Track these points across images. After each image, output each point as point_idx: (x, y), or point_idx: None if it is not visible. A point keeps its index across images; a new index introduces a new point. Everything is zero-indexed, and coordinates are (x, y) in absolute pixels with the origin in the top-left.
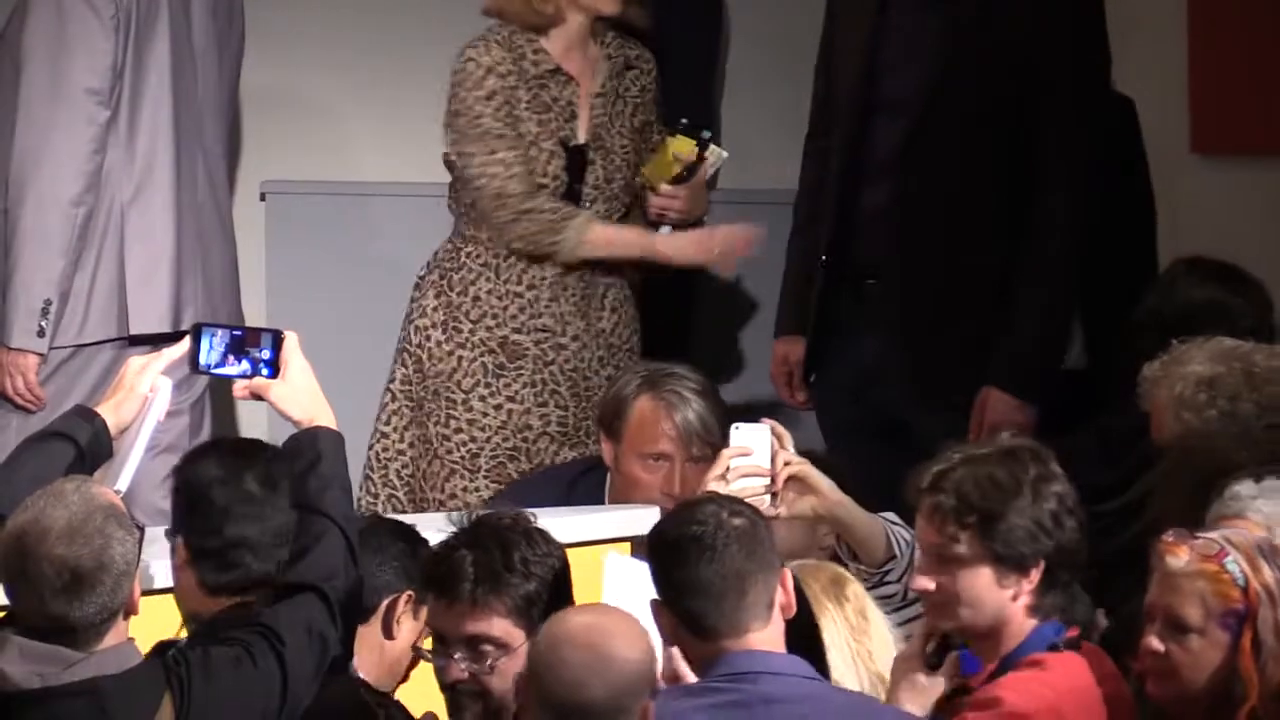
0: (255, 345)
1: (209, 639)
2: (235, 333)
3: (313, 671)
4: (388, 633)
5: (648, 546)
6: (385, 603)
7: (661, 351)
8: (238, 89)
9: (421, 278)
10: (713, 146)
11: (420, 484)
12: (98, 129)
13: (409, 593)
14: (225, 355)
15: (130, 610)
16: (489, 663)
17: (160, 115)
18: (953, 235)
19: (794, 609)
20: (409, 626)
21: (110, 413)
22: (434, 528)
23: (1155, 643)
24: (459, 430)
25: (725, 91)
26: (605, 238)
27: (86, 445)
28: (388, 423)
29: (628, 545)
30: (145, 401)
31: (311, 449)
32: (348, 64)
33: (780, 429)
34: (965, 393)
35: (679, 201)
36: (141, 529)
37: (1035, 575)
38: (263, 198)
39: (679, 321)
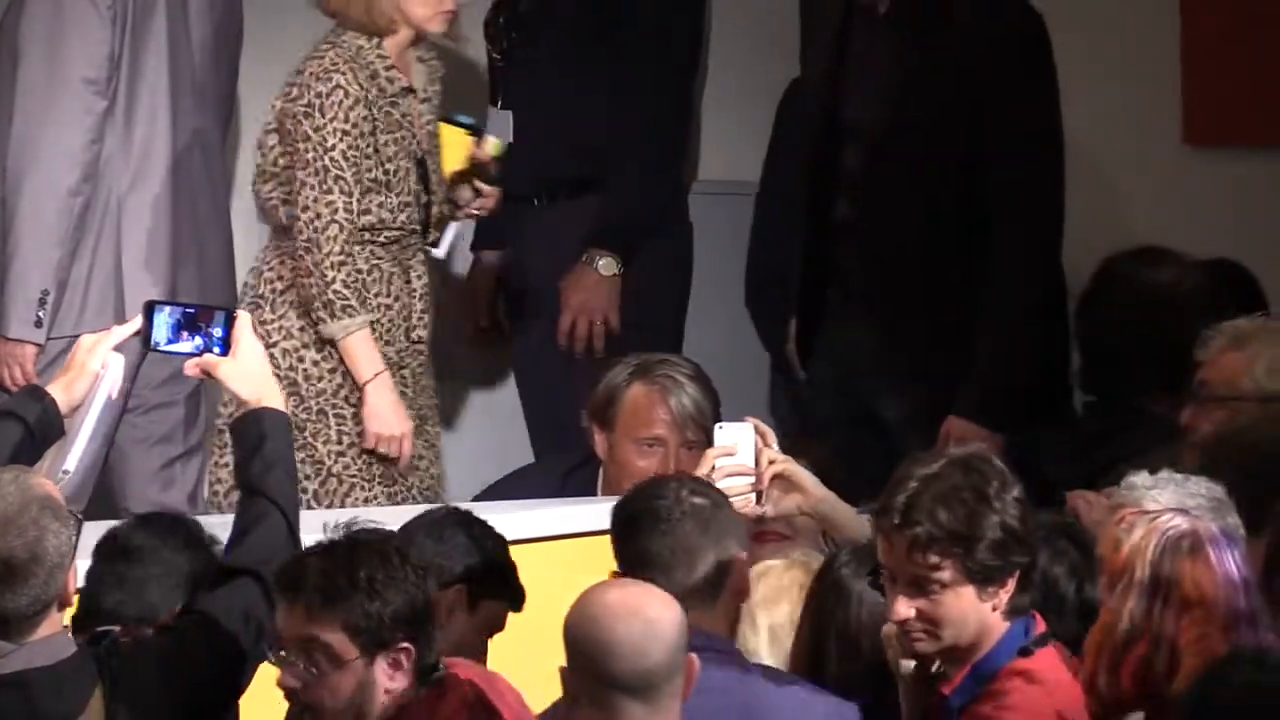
0: (208, 323)
1: (143, 627)
2: (188, 310)
3: (248, 659)
4: (436, 622)
5: (610, 519)
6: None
7: (651, 345)
8: (236, 79)
9: (261, 295)
10: (488, 136)
11: (316, 505)
12: (95, 119)
13: (461, 586)
14: (178, 332)
15: (64, 601)
16: (316, 670)
17: (158, 105)
18: (918, 250)
19: (748, 595)
20: (461, 619)
21: (61, 391)
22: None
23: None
24: (351, 445)
25: (707, 82)
26: (353, 350)
27: (35, 424)
28: None
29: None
30: (96, 379)
31: (256, 430)
32: None
33: (764, 427)
34: (939, 387)
35: (491, 200)
36: (79, 520)
37: (1011, 582)
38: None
39: (672, 316)
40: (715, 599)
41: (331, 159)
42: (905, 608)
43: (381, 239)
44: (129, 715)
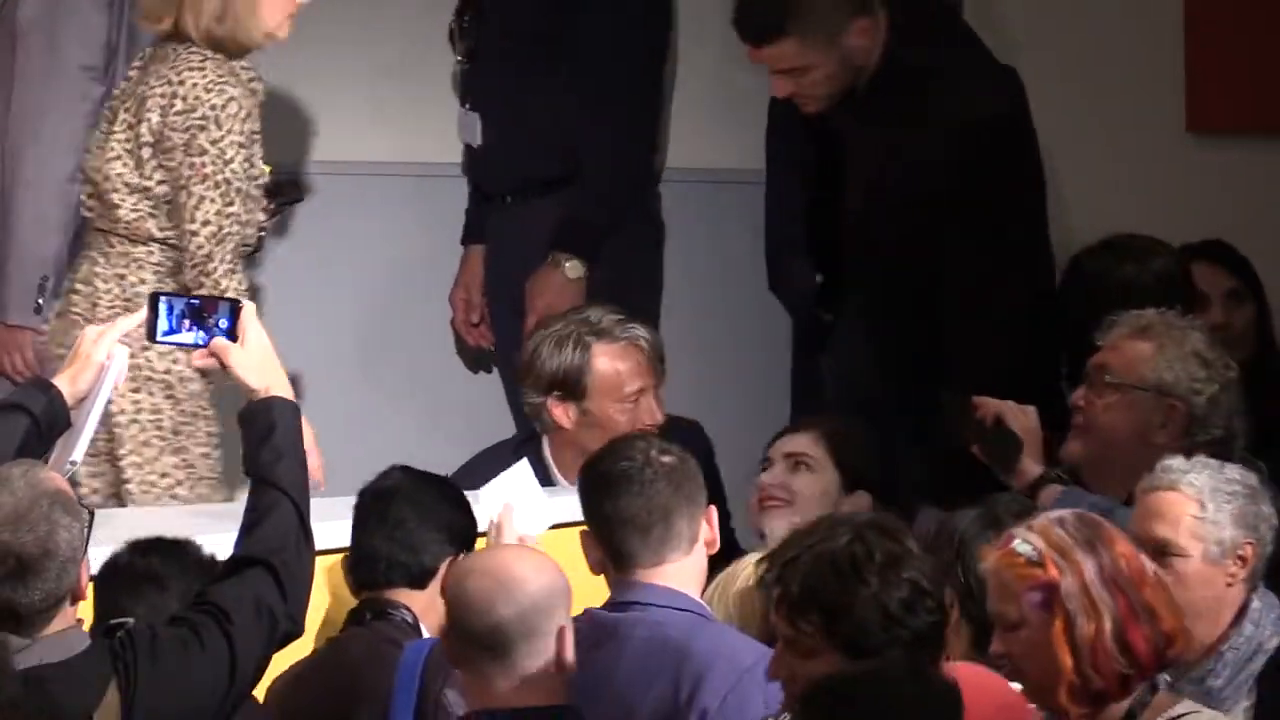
0: (212, 314)
1: (157, 619)
2: (192, 301)
3: (261, 648)
4: (443, 593)
5: (579, 482)
6: (442, 566)
7: None
8: None
9: (128, 300)
10: None
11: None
12: (92, 105)
13: (460, 554)
14: (182, 324)
15: (77, 595)
16: None
17: None
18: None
19: (718, 545)
20: None
21: (66, 383)
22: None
23: (996, 645)
24: (218, 445)
25: (678, 69)
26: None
27: (41, 416)
28: (139, 454)
29: None
30: (101, 370)
31: (265, 419)
32: (343, 44)
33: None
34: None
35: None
36: (91, 514)
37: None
38: None
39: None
40: (687, 553)
41: (232, 171)
42: (780, 669)
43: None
44: (144, 708)
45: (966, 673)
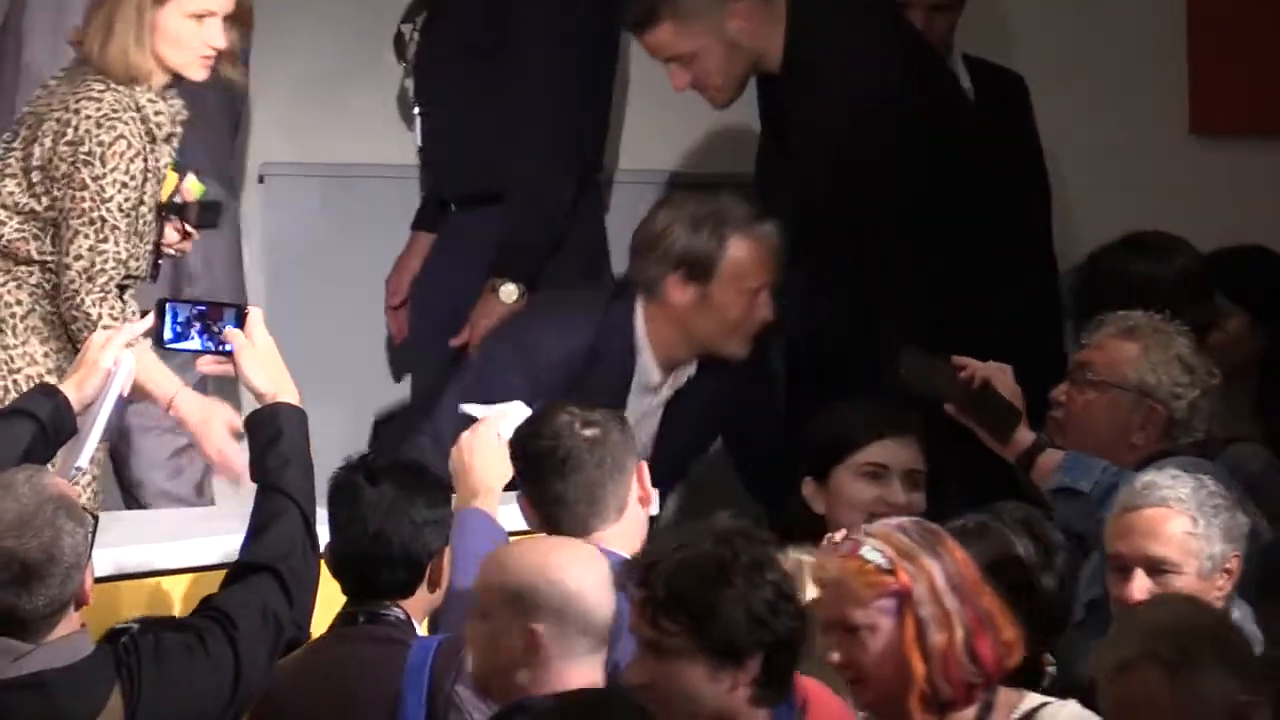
0: (219, 320)
1: (162, 624)
2: (199, 307)
3: (266, 654)
4: (433, 586)
5: (510, 451)
6: (430, 563)
7: None
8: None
9: (1, 320)
10: (190, 177)
11: None
12: None
13: (447, 547)
14: (189, 330)
15: (81, 601)
16: None
17: None
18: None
19: (651, 500)
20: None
21: (73, 389)
22: None
23: (835, 653)
24: (93, 462)
25: (630, 71)
26: (144, 374)
27: (48, 421)
28: None
29: None
30: (108, 376)
31: (273, 425)
32: (347, 45)
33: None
34: None
35: (188, 243)
36: (95, 519)
37: (753, 666)
38: (261, 179)
39: None
40: (617, 519)
41: (108, 210)
42: (639, 675)
43: (129, 284)
44: (148, 713)
45: (814, 689)
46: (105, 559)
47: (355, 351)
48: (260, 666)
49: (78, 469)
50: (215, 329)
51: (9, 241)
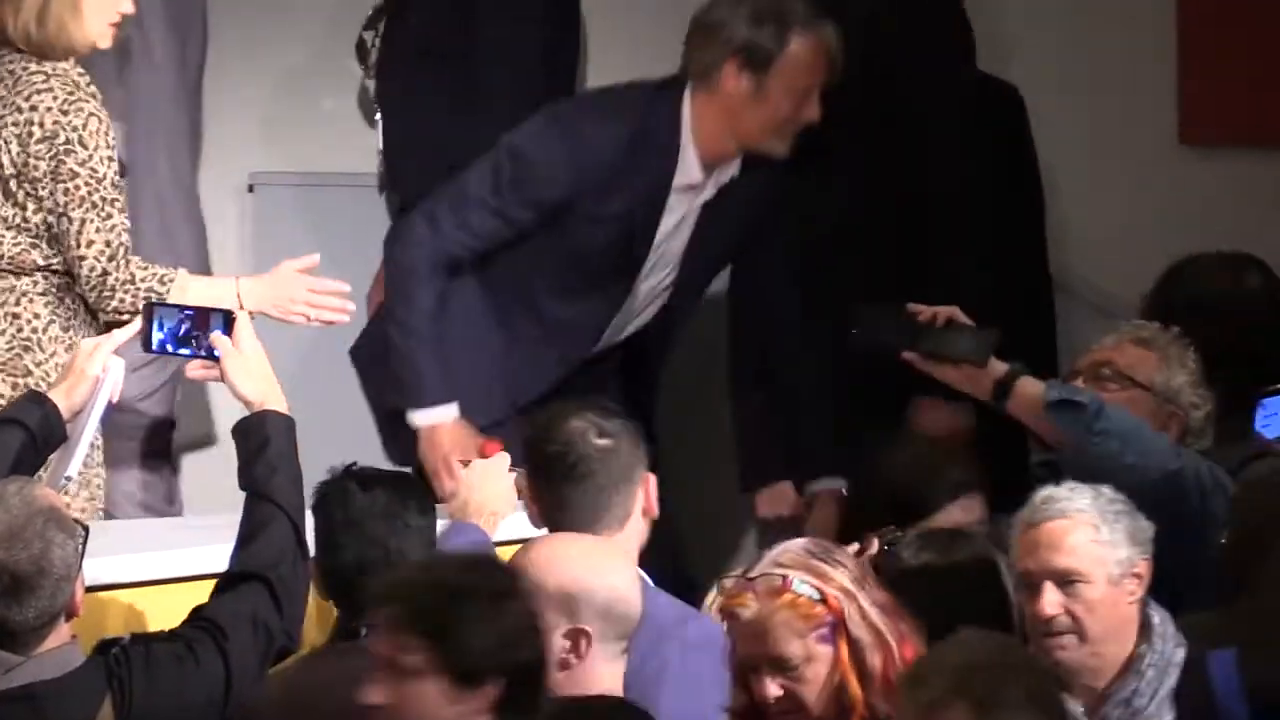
0: (206, 325)
1: (152, 635)
2: (187, 312)
3: (257, 664)
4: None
5: (523, 456)
6: None
7: None
8: (201, 77)
9: (27, 339)
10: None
11: None
12: None
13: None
14: (177, 334)
15: (72, 612)
16: None
17: (113, 109)
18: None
19: (654, 512)
20: None
21: (62, 397)
22: None
23: (772, 689)
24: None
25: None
26: (201, 296)
27: (37, 429)
28: None
29: None
30: (96, 383)
31: (260, 433)
32: (337, 55)
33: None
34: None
35: None
36: (85, 530)
37: (492, 691)
38: (251, 189)
39: None
40: (620, 528)
41: (105, 187)
42: (376, 695)
43: None
44: None
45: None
46: (90, 570)
47: (345, 361)
48: (251, 676)
49: (67, 478)
50: (202, 334)
51: (10, 257)
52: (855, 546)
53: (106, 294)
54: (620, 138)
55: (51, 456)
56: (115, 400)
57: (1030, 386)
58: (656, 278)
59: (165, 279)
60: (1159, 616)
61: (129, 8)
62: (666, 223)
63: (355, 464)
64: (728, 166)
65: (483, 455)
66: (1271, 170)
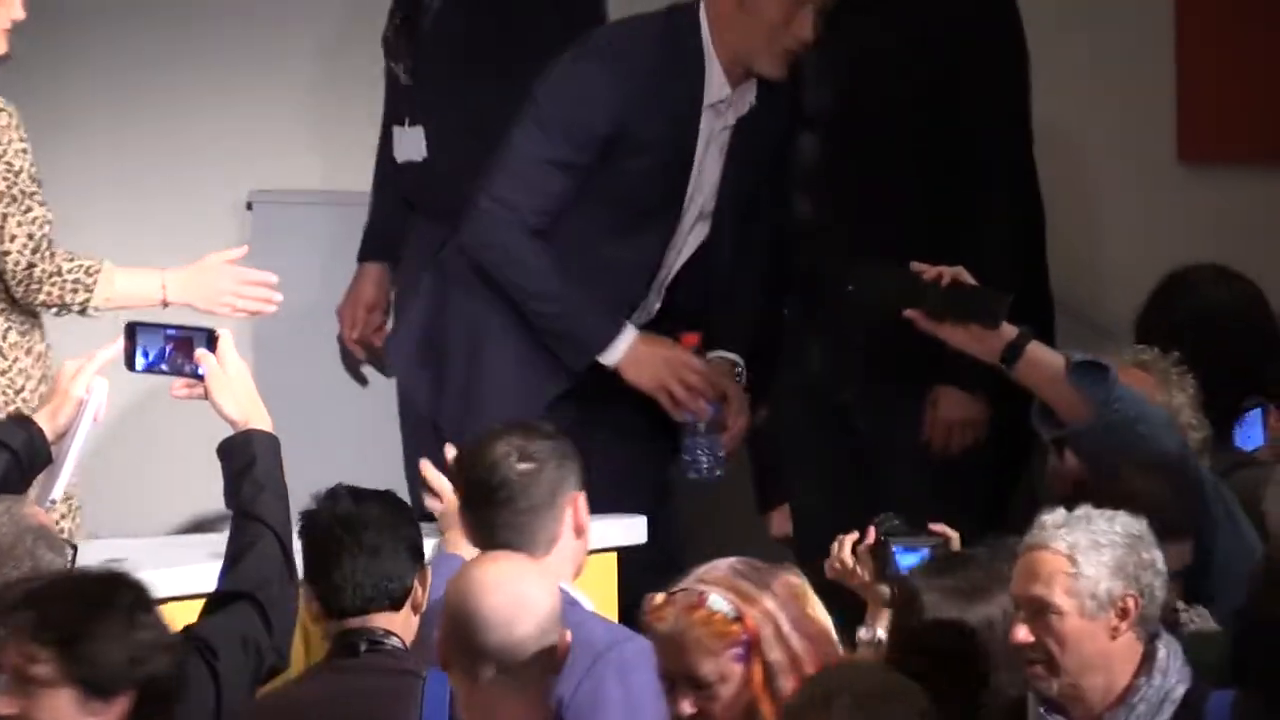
0: (189, 344)
1: None
2: (169, 331)
3: (248, 683)
4: (416, 608)
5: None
6: (414, 585)
7: None
8: None
9: None
10: None
11: None
12: None
13: (426, 568)
14: (160, 353)
15: None
16: None
17: None
18: (886, 245)
19: (585, 531)
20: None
21: (46, 419)
22: None
23: (686, 706)
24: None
25: None
26: (126, 287)
27: (22, 451)
28: None
29: (613, 555)
30: (81, 405)
31: (245, 452)
32: (335, 72)
33: None
34: (918, 393)
35: None
36: (74, 548)
37: (122, 704)
38: (249, 206)
39: None
40: (548, 550)
41: (23, 180)
42: (4, 704)
43: None
44: None
45: None
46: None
47: (345, 379)
48: (242, 695)
49: (53, 501)
50: (185, 353)
51: None
52: (854, 535)
53: (34, 287)
54: (650, 54)
55: (37, 478)
56: (99, 421)
57: (1042, 351)
58: (695, 208)
59: (91, 270)
60: (1166, 650)
61: (20, 14)
62: (700, 144)
63: (340, 485)
64: (746, 88)
65: (686, 346)
66: (1271, 188)
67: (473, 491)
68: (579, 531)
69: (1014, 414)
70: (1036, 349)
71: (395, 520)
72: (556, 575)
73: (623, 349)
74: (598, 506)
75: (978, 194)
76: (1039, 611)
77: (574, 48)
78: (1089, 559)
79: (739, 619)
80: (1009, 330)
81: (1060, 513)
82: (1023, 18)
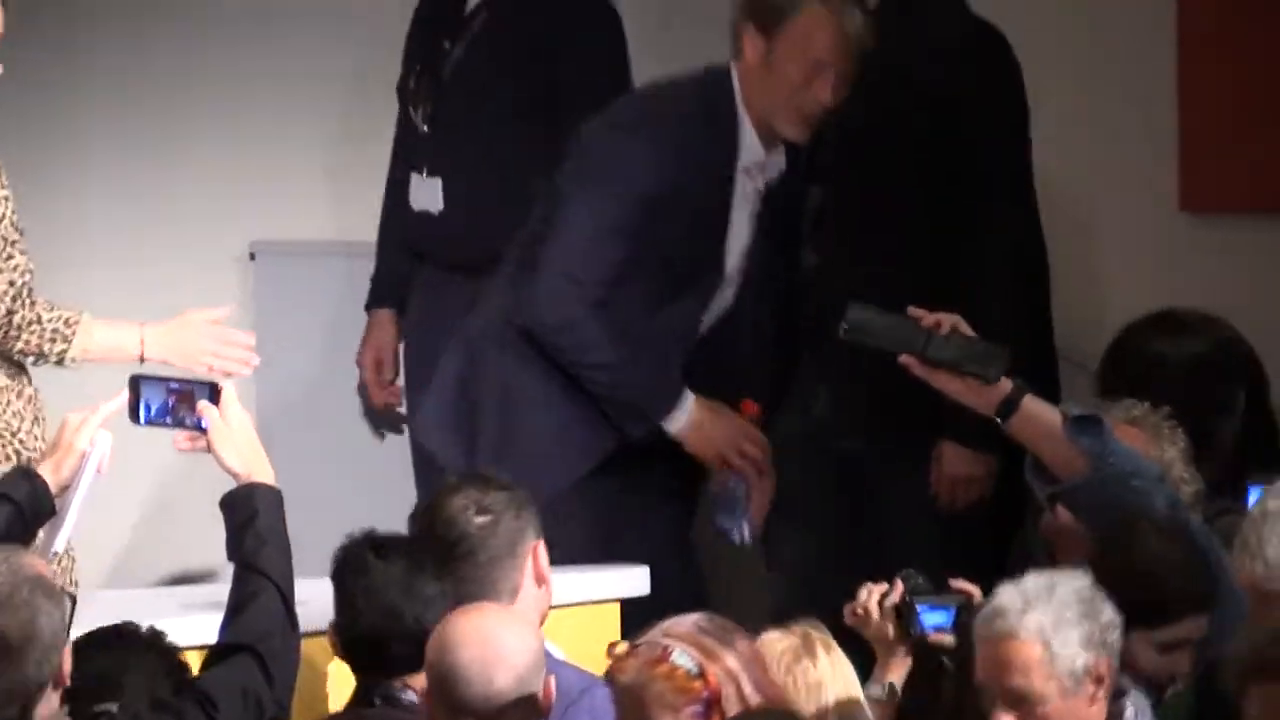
0: (192, 397)
1: (143, 704)
2: (172, 384)
3: None
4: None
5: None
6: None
7: None
8: None
9: None
10: None
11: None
12: None
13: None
14: (164, 406)
15: (59, 681)
16: None
17: None
18: (888, 290)
19: (547, 580)
20: None
21: (50, 472)
22: None
23: None
24: None
25: None
26: (105, 339)
27: (25, 503)
28: None
29: (616, 606)
30: (84, 457)
31: (248, 506)
32: (338, 123)
33: None
34: (923, 442)
35: None
36: (73, 599)
37: None
38: (252, 257)
39: None
40: (513, 600)
41: (5, 228)
42: None
43: None
44: None
45: None
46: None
47: (351, 430)
48: None
49: (55, 553)
50: (188, 406)
51: None
52: (882, 587)
53: (12, 334)
54: (687, 119)
55: (40, 531)
56: (102, 473)
57: (1038, 405)
58: (730, 271)
59: (70, 321)
60: (1133, 709)
61: None
62: (735, 208)
63: (373, 530)
64: (777, 152)
65: (744, 414)
66: (1273, 238)
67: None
68: (539, 580)
69: (1013, 466)
70: (1032, 403)
71: (415, 573)
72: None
73: (685, 417)
74: (642, 560)
75: (979, 204)
76: (1020, 700)
77: (609, 115)
78: (1060, 639)
79: (701, 675)
80: (1005, 383)
81: (1013, 592)
82: (1025, 66)
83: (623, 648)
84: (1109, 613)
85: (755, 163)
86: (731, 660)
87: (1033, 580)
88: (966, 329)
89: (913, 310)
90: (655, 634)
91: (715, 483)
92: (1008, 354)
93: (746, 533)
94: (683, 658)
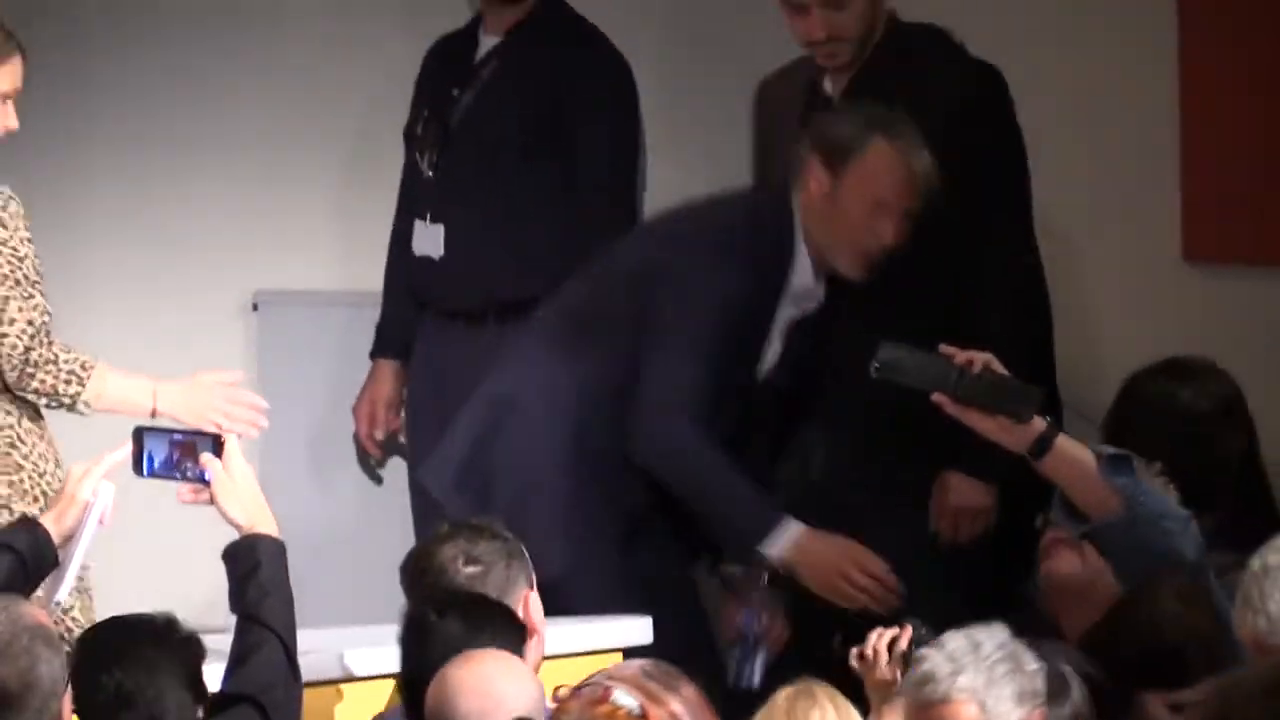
0: (195, 449)
1: None
2: (175, 436)
3: None
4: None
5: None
6: None
7: None
8: None
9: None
10: None
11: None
12: None
13: None
14: (168, 458)
15: None
16: None
17: None
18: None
19: (537, 631)
20: None
21: (52, 522)
22: None
23: None
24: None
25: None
26: (118, 389)
27: (27, 553)
28: None
29: (619, 655)
30: (86, 508)
31: (250, 557)
32: (342, 171)
33: None
34: (920, 481)
35: None
36: (72, 647)
37: None
38: (255, 307)
39: None
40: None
41: (26, 266)
42: None
43: None
44: None
45: None
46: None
47: (354, 486)
48: None
49: (57, 604)
50: (192, 457)
51: None
52: (893, 631)
53: (29, 371)
54: (745, 247)
55: (44, 581)
56: (105, 523)
57: (1070, 444)
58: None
59: (86, 365)
60: None
61: (13, 123)
62: (775, 329)
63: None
64: (820, 283)
65: None
66: (1276, 289)
67: (419, 595)
68: (531, 631)
69: (1018, 505)
70: (1065, 442)
71: (479, 627)
72: None
73: (785, 542)
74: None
75: (979, 222)
76: None
77: (664, 242)
78: (994, 697)
79: (642, 716)
80: (1037, 422)
81: (938, 656)
82: (1025, 116)
83: (565, 691)
84: (1031, 661)
85: (804, 290)
86: (675, 704)
87: (954, 641)
88: (999, 367)
89: (944, 348)
90: (599, 676)
91: (724, 624)
92: (1040, 393)
93: (758, 675)
94: (625, 698)
